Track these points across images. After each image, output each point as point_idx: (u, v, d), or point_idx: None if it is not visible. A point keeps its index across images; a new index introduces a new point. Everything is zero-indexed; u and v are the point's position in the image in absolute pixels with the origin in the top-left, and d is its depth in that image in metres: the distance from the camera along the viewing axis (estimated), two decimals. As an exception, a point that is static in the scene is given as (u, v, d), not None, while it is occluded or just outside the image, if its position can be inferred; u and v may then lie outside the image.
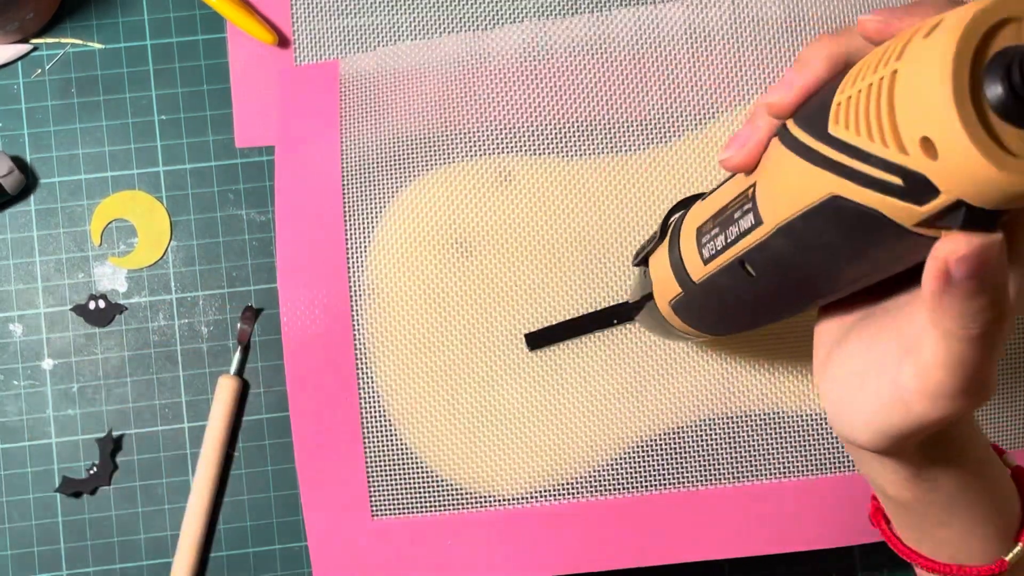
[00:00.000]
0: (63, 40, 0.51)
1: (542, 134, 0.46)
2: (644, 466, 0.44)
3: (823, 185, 0.25)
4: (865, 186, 0.24)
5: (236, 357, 0.48)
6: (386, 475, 0.44)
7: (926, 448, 0.29)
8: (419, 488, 0.44)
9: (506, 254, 0.45)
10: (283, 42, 0.50)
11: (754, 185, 0.29)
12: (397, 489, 0.44)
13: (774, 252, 0.28)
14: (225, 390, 0.47)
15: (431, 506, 0.44)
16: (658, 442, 0.44)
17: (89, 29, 0.51)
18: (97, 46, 0.51)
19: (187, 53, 0.51)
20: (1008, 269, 0.24)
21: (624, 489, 0.44)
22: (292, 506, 0.48)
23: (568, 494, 0.44)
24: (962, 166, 0.21)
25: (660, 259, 0.35)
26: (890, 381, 0.26)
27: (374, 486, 0.44)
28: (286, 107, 0.47)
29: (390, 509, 0.44)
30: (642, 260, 0.37)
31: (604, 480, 0.44)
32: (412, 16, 0.50)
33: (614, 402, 0.44)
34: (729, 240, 0.30)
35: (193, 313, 0.49)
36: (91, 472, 0.48)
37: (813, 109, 0.26)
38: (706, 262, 0.31)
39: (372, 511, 0.44)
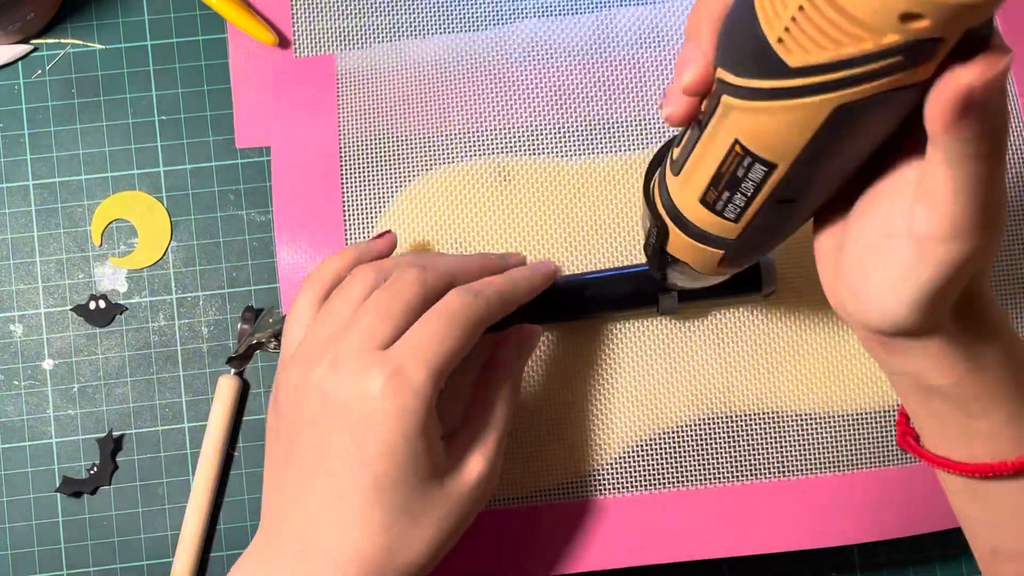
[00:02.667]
0: (63, 40, 0.51)
1: (542, 135, 0.46)
2: (644, 466, 0.44)
3: (821, 107, 0.25)
4: (865, 82, 0.24)
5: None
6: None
7: (963, 320, 0.30)
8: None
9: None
10: (283, 43, 0.50)
11: (737, 141, 0.28)
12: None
13: (803, 178, 0.28)
14: (225, 390, 0.47)
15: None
16: (658, 442, 0.44)
17: (89, 29, 0.51)
18: (97, 46, 0.51)
19: (187, 53, 0.51)
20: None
21: (624, 489, 0.44)
22: (292, 506, 0.48)
23: (568, 494, 0.44)
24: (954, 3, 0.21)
25: (680, 243, 0.34)
26: (905, 238, 0.27)
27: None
28: (281, 101, 0.47)
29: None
30: (659, 257, 0.36)
31: (604, 480, 0.44)
32: (412, 16, 0.50)
33: (614, 402, 0.44)
34: (750, 194, 0.30)
35: (193, 313, 0.49)
36: (91, 472, 0.48)
37: (747, 58, 0.26)
38: (737, 220, 0.31)
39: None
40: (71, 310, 0.49)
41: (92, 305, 0.49)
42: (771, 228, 0.32)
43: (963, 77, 0.23)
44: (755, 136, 0.28)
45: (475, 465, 0.37)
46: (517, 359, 0.40)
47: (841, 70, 0.24)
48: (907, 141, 0.28)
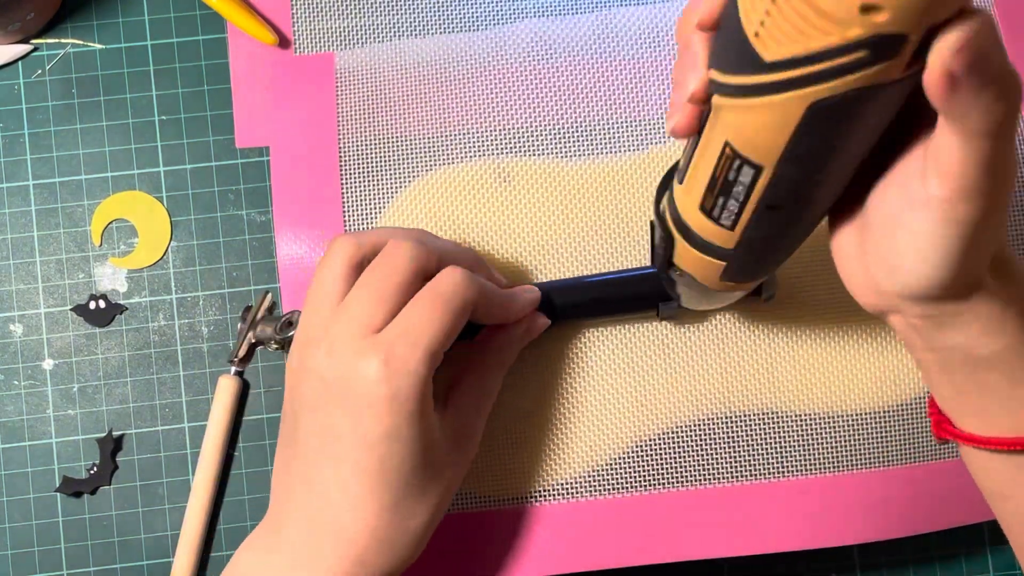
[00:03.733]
0: (64, 40, 0.51)
1: (542, 135, 0.46)
2: (644, 466, 0.44)
3: (796, 103, 0.26)
4: (835, 77, 0.25)
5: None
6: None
7: (1005, 282, 0.31)
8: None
9: (505, 256, 0.45)
10: (283, 43, 0.50)
11: (727, 144, 0.29)
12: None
13: (789, 180, 0.29)
14: (225, 390, 0.47)
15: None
16: (658, 442, 0.44)
17: (90, 29, 0.51)
18: (98, 46, 0.51)
19: (187, 53, 0.51)
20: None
21: (624, 489, 0.44)
22: (292, 506, 0.48)
23: (569, 494, 0.44)
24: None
25: (685, 254, 0.35)
26: (924, 204, 0.28)
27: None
28: (280, 100, 0.47)
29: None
30: (667, 266, 0.37)
31: (605, 480, 0.44)
32: (412, 17, 0.50)
33: (615, 402, 0.44)
34: (741, 199, 0.30)
35: (193, 313, 0.49)
36: (91, 472, 0.48)
37: (731, 53, 0.27)
38: (732, 227, 0.32)
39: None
40: (71, 310, 0.49)
41: (92, 305, 0.49)
42: (767, 239, 0.32)
43: (935, 58, 0.24)
44: (742, 136, 0.28)
45: (463, 440, 0.39)
46: (519, 343, 0.42)
47: (811, 64, 0.25)
48: (914, 127, 0.29)
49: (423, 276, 0.37)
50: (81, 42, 0.51)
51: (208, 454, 0.47)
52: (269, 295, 0.48)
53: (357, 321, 0.36)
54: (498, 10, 0.50)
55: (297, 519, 0.37)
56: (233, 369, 0.48)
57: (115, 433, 0.48)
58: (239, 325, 0.48)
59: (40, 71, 0.50)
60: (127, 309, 0.49)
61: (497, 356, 0.41)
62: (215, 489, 0.47)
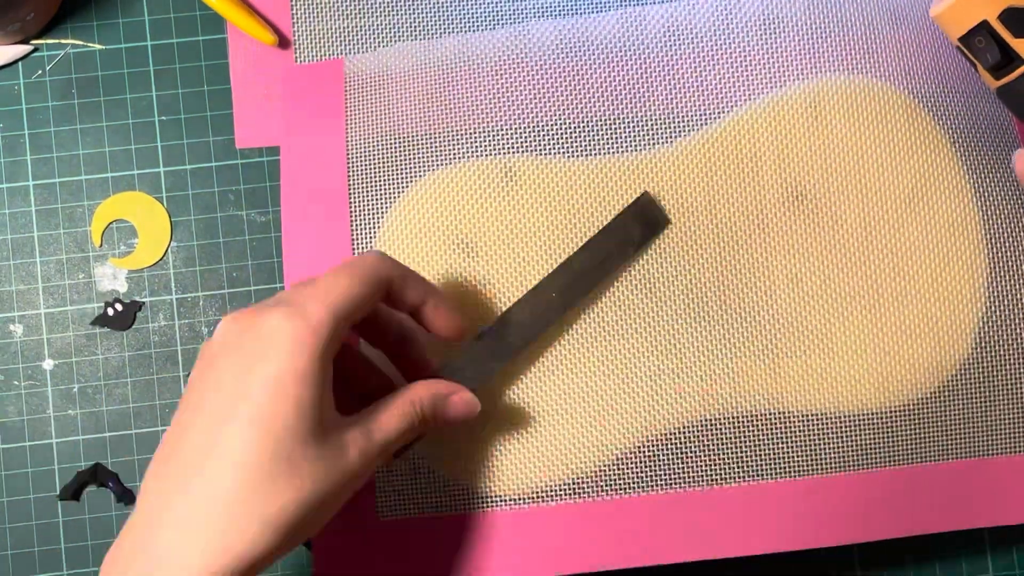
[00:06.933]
0: (64, 41, 0.51)
1: (548, 134, 0.46)
2: (645, 466, 0.44)
3: None
4: None
5: None
6: (391, 474, 0.44)
7: None
8: (424, 488, 0.44)
9: (511, 255, 0.45)
10: (283, 43, 0.50)
11: None
12: (402, 488, 0.44)
13: None
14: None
15: (436, 506, 0.44)
16: (661, 443, 0.44)
17: (90, 30, 0.51)
18: (98, 47, 0.51)
19: (187, 54, 0.51)
20: None
21: (626, 488, 0.44)
22: (292, 506, 0.48)
23: (570, 494, 0.44)
24: None
25: None
26: None
27: (380, 485, 0.44)
28: (290, 106, 0.47)
29: (395, 509, 0.44)
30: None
31: (606, 479, 0.44)
32: (412, 17, 0.50)
33: (618, 401, 0.44)
34: None
35: (193, 314, 0.49)
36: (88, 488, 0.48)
37: None
38: None
39: (378, 511, 0.44)
40: (91, 323, 0.49)
41: (110, 312, 0.49)
42: None
43: None
44: None
45: (353, 453, 0.34)
46: (447, 414, 0.39)
47: None
48: None
49: (382, 285, 0.36)
50: (81, 42, 0.51)
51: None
52: None
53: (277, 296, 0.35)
54: (498, 10, 0.50)
55: (167, 488, 0.33)
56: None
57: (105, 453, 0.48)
58: None
59: (40, 71, 0.50)
60: (144, 304, 0.49)
61: (420, 401, 0.38)
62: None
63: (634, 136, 0.46)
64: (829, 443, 0.44)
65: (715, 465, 0.44)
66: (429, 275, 0.45)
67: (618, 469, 0.44)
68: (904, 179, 0.45)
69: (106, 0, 0.51)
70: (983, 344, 0.45)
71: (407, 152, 0.46)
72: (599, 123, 0.46)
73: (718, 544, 0.44)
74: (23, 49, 0.50)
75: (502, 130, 0.46)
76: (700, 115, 0.46)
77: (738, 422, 0.44)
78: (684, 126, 0.46)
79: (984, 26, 0.42)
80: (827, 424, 0.44)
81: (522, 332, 0.42)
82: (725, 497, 0.44)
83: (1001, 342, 0.45)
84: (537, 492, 0.44)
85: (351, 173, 0.46)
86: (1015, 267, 0.45)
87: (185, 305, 0.49)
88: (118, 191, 0.50)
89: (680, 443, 0.44)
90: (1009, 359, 0.45)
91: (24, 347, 0.49)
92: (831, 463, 0.44)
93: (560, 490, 0.44)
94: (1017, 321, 0.45)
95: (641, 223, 0.44)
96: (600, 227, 0.44)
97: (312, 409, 0.33)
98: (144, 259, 0.49)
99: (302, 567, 0.49)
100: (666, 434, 0.44)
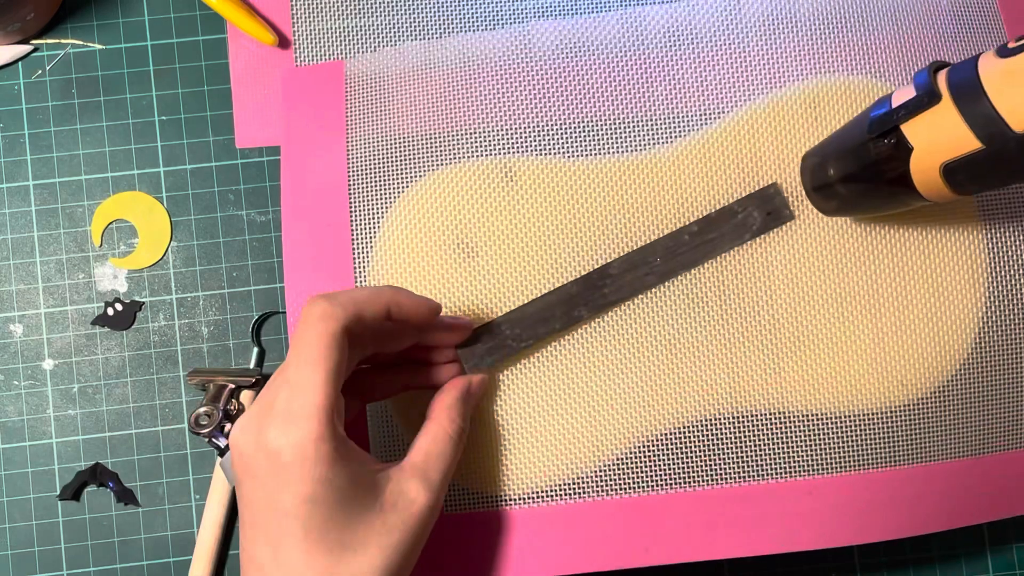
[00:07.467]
0: (64, 41, 0.51)
1: (548, 134, 0.46)
2: (646, 466, 0.44)
3: None
4: None
5: (253, 356, 0.48)
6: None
7: None
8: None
9: (510, 255, 0.45)
10: (283, 43, 0.50)
11: None
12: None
13: None
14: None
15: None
16: (661, 442, 0.44)
17: (90, 30, 0.51)
18: (98, 47, 0.51)
19: (187, 54, 0.51)
20: None
21: (627, 489, 0.44)
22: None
23: (570, 494, 0.44)
24: None
25: (936, 120, 0.32)
26: None
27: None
28: (291, 107, 0.47)
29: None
30: (889, 129, 0.34)
31: (607, 479, 0.44)
32: (412, 17, 0.50)
33: (618, 401, 0.44)
34: None
35: (193, 313, 0.49)
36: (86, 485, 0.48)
37: None
38: None
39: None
40: (91, 323, 0.49)
41: (110, 312, 0.49)
42: None
43: None
44: None
45: (418, 495, 0.37)
46: (472, 403, 0.41)
47: None
48: None
49: (345, 327, 0.36)
50: (81, 42, 0.51)
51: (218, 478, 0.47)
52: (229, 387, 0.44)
53: (264, 393, 0.36)
54: (498, 10, 0.50)
55: None
56: (251, 364, 0.48)
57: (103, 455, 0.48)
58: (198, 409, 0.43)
59: (40, 71, 0.50)
60: (144, 304, 0.49)
61: (453, 420, 0.40)
62: (231, 487, 0.47)
63: (634, 136, 0.46)
64: (829, 443, 0.44)
65: (715, 465, 0.44)
66: (429, 275, 0.45)
67: (618, 469, 0.44)
68: (904, 179, 0.45)
69: (106, 0, 0.51)
70: (983, 344, 0.45)
71: (407, 152, 0.46)
72: (599, 123, 0.46)
73: (718, 544, 0.44)
74: (23, 49, 0.50)
75: (502, 130, 0.46)
76: (700, 115, 0.46)
77: (738, 422, 0.44)
78: (684, 126, 0.46)
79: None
80: (827, 424, 0.44)
81: (618, 290, 0.43)
82: (725, 497, 0.44)
83: (1001, 342, 0.45)
84: (537, 492, 0.44)
85: (351, 173, 0.46)
86: (1015, 267, 0.45)
87: (185, 305, 0.49)
88: (118, 191, 0.50)
89: (680, 443, 0.44)
90: (1009, 359, 0.45)
91: (24, 347, 0.49)
92: (831, 463, 0.44)
93: (560, 490, 0.44)
94: (1017, 321, 0.45)
95: (764, 211, 0.44)
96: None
97: (349, 494, 0.35)
98: (144, 259, 0.49)
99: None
100: (666, 434, 0.44)
